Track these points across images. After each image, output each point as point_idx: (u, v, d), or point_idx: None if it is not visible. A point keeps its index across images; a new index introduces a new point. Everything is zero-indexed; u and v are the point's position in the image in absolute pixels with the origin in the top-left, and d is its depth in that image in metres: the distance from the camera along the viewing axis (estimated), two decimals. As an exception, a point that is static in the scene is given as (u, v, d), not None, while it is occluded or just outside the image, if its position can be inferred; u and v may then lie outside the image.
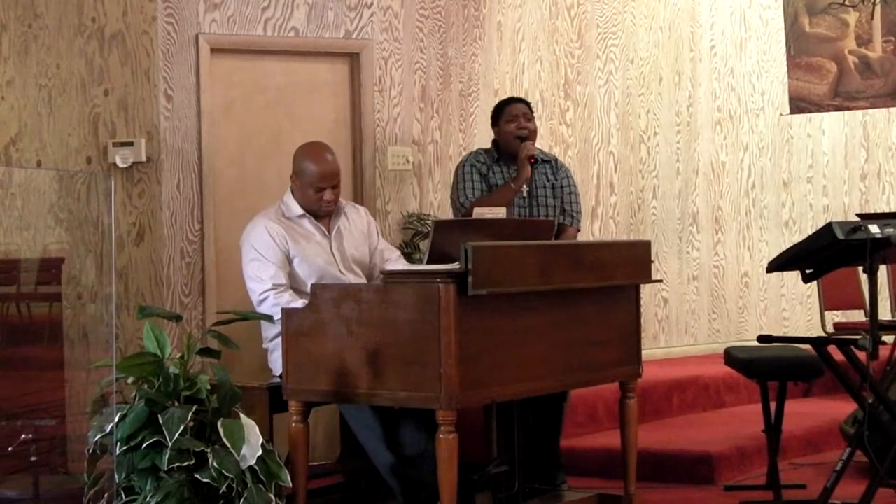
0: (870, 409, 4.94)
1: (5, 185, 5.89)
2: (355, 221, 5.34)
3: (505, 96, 7.34)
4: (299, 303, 4.87)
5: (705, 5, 8.59)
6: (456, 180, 5.87)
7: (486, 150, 5.95)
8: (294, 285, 5.05)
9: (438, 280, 4.29)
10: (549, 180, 5.87)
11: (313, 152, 5.22)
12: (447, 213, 6.82)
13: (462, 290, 4.28)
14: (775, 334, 5.89)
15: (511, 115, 5.86)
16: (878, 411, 5.10)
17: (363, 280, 5.24)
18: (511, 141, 5.81)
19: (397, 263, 5.34)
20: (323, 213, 5.20)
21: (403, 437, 4.80)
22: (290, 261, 5.07)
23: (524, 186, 5.70)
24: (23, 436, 4.90)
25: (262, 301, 4.98)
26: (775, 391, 5.61)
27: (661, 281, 7.89)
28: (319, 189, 5.13)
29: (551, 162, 5.96)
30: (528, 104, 5.98)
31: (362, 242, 5.31)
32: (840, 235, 4.72)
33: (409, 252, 6.46)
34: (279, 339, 4.88)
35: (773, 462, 5.53)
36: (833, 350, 5.12)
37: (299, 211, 5.17)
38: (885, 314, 7.35)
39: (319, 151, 5.23)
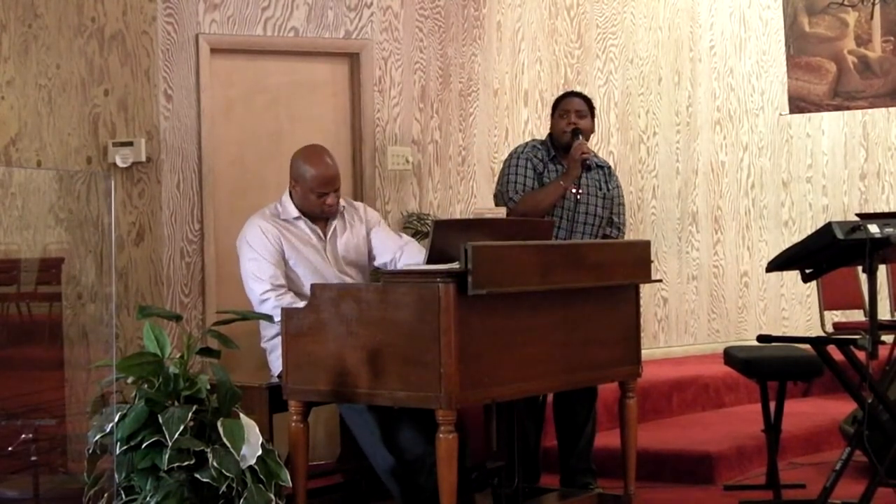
0: (869, 409, 4.94)
1: (5, 185, 5.89)
2: (351, 220, 5.29)
3: (505, 96, 7.37)
4: (300, 305, 4.86)
5: (705, 5, 8.60)
6: (505, 172, 5.62)
7: (541, 143, 5.70)
8: (291, 287, 5.04)
9: (438, 280, 4.29)
10: (600, 188, 5.65)
11: (313, 157, 5.13)
12: (447, 213, 6.83)
13: (462, 290, 4.28)
14: (775, 334, 5.89)
15: (563, 109, 5.62)
16: (878, 411, 5.10)
17: (358, 281, 5.21)
18: (561, 136, 5.58)
19: (412, 252, 5.17)
20: (324, 216, 5.17)
21: (402, 439, 4.80)
22: (285, 262, 5.06)
23: (573, 187, 5.49)
24: (23, 436, 4.91)
25: (263, 301, 4.96)
26: (775, 391, 5.61)
27: (660, 281, 7.89)
28: (321, 194, 5.08)
29: (605, 169, 5.74)
30: (586, 99, 5.71)
31: (358, 242, 5.25)
32: (839, 235, 4.72)
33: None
34: (277, 339, 4.88)
35: (773, 461, 5.53)
36: (832, 350, 5.12)
37: (295, 213, 5.13)
38: (884, 314, 7.35)
39: (319, 156, 5.14)
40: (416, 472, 4.75)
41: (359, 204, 5.47)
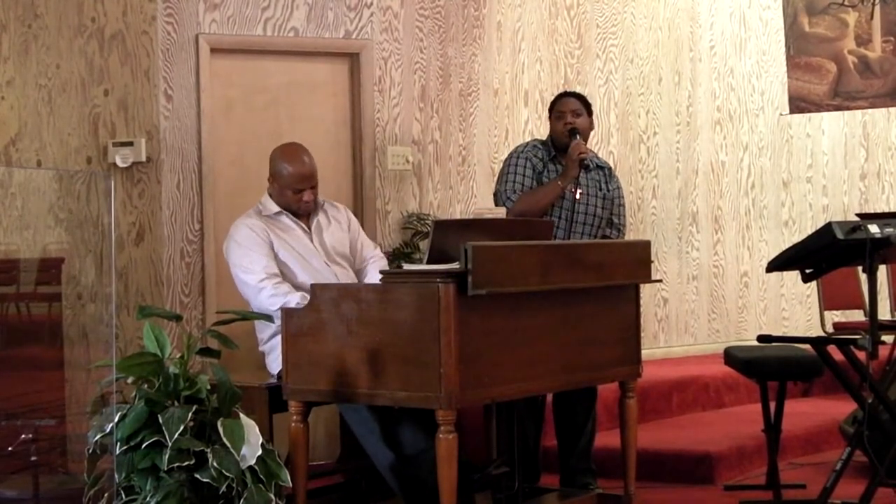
0: (869, 409, 4.94)
1: (5, 185, 5.90)
2: (335, 217, 5.35)
3: (505, 96, 7.37)
4: (297, 295, 4.88)
5: (705, 5, 8.60)
6: (505, 171, 5.61)
7: (542, 143, 5.69)
8: (283, 279, 5.06)
9: (438, 280, 4.29)
10: (601, 189, 5.65)
11: (290, 154, 5.21)
12: (447, 213, 6.83)
13: (462, 290, 4.28)
14: (775, 334, 5.89)
15: (559, 111, 5.61)
16: (878, 411, 5.10)
17: (350, 273, 5.25)
18: (560, 138, 5.58)
19: (378, 263, 5.32)
20: (302, 212, 5.23)
21: (403, 437, 4.80)
22: (274, 254, 5.09)
23: (571, 187, 5.46)
24: (23, 436, 4.90)
25: (260, 290, 4.97)
26: (775, 391, 5.61)
27: (660, 281, 7.89)
28: (298, 190, 5.16)
29: (605, 169, 5.74)
30: (581, 98, 5.69)
31: (343, 237, 5.32)
32: (839, 235, 4.72)
33: (408, 252, 6.46)
34: (275, 340, 4.89)
35: (773, 462, 5.53)
36: (833, 350, 5.12)
37: (276, 208, 5.20)
38: (884, 314, 7.35)
39: (296, 153, 5.22)
40: (417, 466, 4.75)
41: (340, 205, 5.53)
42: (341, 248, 5.28)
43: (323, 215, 5.31)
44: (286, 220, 5.20)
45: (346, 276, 5.20)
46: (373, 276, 5.17)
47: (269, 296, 4.93)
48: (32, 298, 5.94)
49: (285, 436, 4.76)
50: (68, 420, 5.26)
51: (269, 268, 5.03)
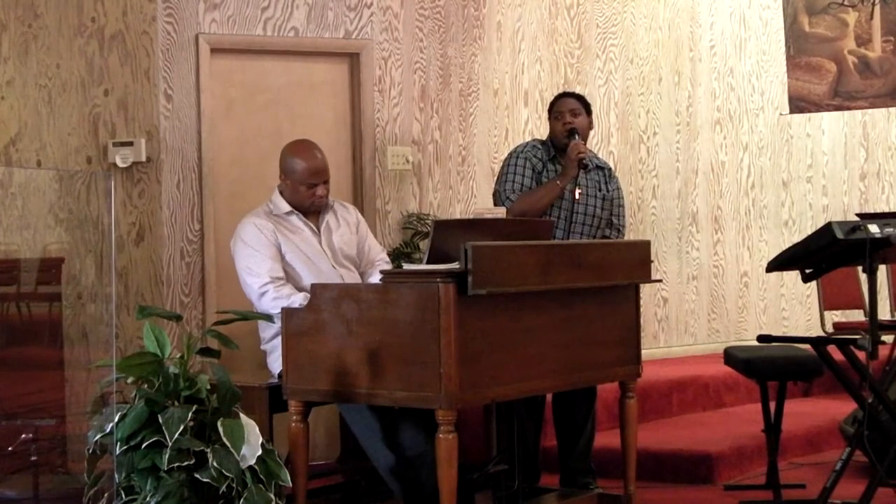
0: (869, 409, 4.94)
1: (5, 185, 5.89)
2: (344, 217, 5.34)
3: (505, 96, 7.37)
4: (300, 296, 4.88)
5: (705, 5, 8.60)
6: (504, 171, 5.62)
7: (541, 143, 5.69)
8: (289, 281, 5.06)
9: (438, 280, 4.29)
10: (600, 189, 5.65)
11: (301, 150, 5.23)
12: (447, 213, 6.83)
13: (462, 290, 4.28)
14: (775, 334, 5.89)
15: (558, 111, 5.61)
16: (878, 411, 5.10)
17: (356, 275, 5.24)
18: (559, 138, 5.58)
19: (383, 266, 5.31)
20: (314, 208, 5.22)
21: (403, 438, 4.80)
22: (281, 256, 5.08)
23: (570, 187, 5.46)
24: (23, 436, 4.90)
25: (262, 294, 4.97)
26: (775, 391, 5.61)
27: (660, 281, 7.90)
28: (312, 185, 5.16)
29: (604, 170, 5.74)
30: (579, 98, 5.70)
31: (352, 238, 5.32)
32: (839, 235, 4.72)
33: (408, 252, 6.46)
34: (277, 340, 4.89)
35: (773, 462, 5.53)
36: (833, 350, 5.12)
37: (287, 208, 5.19)
38: (884, 314, 7.35)
39: (307, 148, 5.23)
40: (417, 468, 4.75)
41: (350, 205, 5.54)
42: (349, 251, 5.28)
43: (332, 216, 5.29)
44: (296, 220, 5.19)
45: (352, 278, 5.20)
46: (375, 280, 5.16)
47: (273, 299, 4.93)
48: (32, 298, 5.93)
49: (285, 436, 4.75)
50: (68, 420, 5.26)
51: (273, 270, 5.02)
